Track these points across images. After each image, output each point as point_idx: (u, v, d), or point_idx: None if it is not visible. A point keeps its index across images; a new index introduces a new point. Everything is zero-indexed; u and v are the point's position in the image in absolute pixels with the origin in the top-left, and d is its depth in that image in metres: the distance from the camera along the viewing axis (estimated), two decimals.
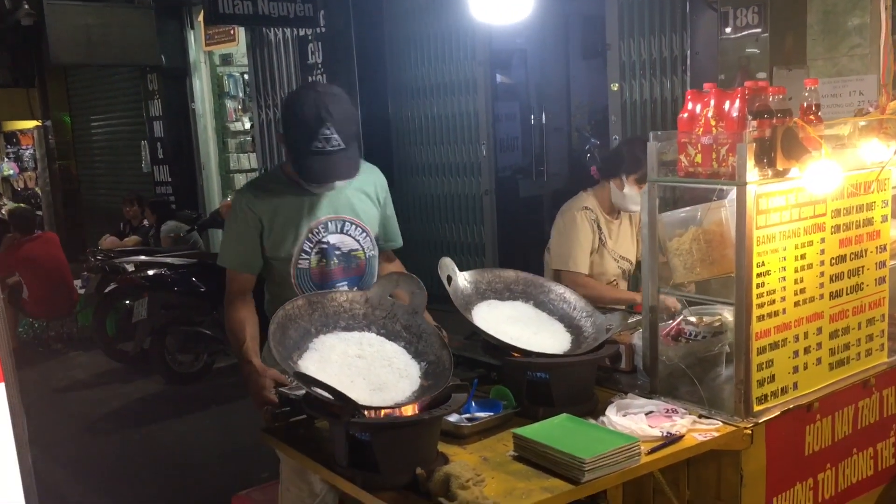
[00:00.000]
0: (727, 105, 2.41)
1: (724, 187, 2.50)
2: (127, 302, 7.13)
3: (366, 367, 2.32)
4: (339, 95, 2.68)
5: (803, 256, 2.56)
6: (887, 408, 2.94)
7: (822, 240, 2.61)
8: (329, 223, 2.80)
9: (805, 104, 2.52)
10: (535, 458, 2.21)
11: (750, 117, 2.36)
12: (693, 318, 2.83)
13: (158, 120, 10.44)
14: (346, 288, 2.78)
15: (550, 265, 3.66)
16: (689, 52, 5.39)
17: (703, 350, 2.76)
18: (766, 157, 2.37)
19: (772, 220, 2.44)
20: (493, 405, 2.55)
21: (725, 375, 2.72)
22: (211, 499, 4.58)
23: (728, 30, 4.75)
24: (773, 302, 2.48)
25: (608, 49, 5.99)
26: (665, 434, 2.33)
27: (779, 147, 2.36)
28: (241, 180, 9.93)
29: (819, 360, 2.67)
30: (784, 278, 2.50)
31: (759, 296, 2.43)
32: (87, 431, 6.06)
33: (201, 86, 10.03)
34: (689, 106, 2.51)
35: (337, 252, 2.81)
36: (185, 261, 7.06)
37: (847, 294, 2.73)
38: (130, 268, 6.97)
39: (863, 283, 2.78)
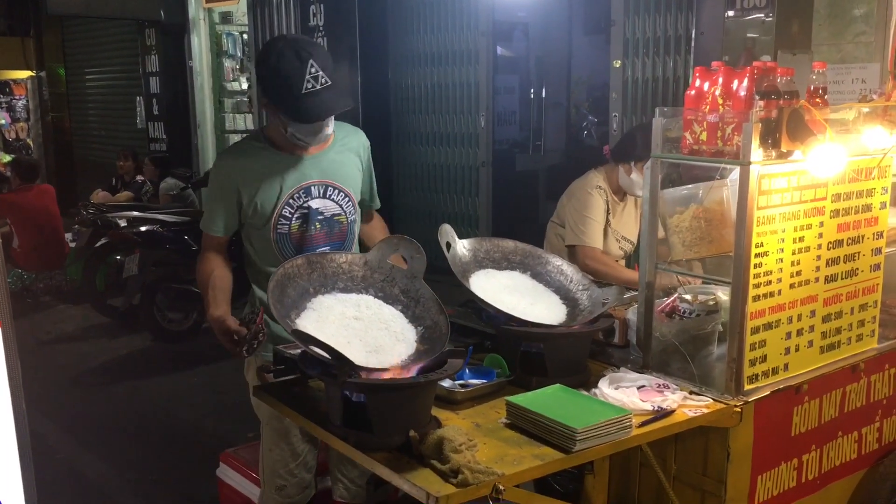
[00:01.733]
0: (735, 84, 2.41)
1: (727, 166, 2.50)
2: (118, 257, 7.09)
3: (363, 329, 2.32)
4: (309, 40, 2.69)
5: (801, 239, 2.57)
6: (874, 393, 2.96)
7: (821, 223, 2.62)
8: (312, 188, 2.78)
9: (812, 87, 2.52)
10: (527, 425, 2.22)
11: (757, 97, 2.36)
12: (688, 296, 2.83)
13: (155, 76, 10.35)
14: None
15: (565, 241, 3.69)
16: (694, 31, 5.36)
17: (697, 328, 2.77)
18: (770, 137, 2.37)
19: (773, 202, 2.44)
20: (487, 373, 2.57)
21: (717, 354, 2.73)
22: (198, 456, 4.60)
23: (734, 12, 4.74)
24: (770, 283, 2.49)
25: (613, 25, 5.95)
26: (656, 408, 2.35)
27: (784, 128, 2.36)
28: (237, 140, 9.85)
29: (811, 343, 2.69)
30: (781, 260, 2.51)
31: (756, 276, 2.44)
32: (73, 385, 6.07)
33: (199, 43, 9.92)
34: (697, 83, 2.50)
35: (320, 217, 2.79)
36: (177, 218, 7.04)
37: (842, 279, 2.74)
38: (123, 223, 6.94)
39: (858, 268, 2.80)
